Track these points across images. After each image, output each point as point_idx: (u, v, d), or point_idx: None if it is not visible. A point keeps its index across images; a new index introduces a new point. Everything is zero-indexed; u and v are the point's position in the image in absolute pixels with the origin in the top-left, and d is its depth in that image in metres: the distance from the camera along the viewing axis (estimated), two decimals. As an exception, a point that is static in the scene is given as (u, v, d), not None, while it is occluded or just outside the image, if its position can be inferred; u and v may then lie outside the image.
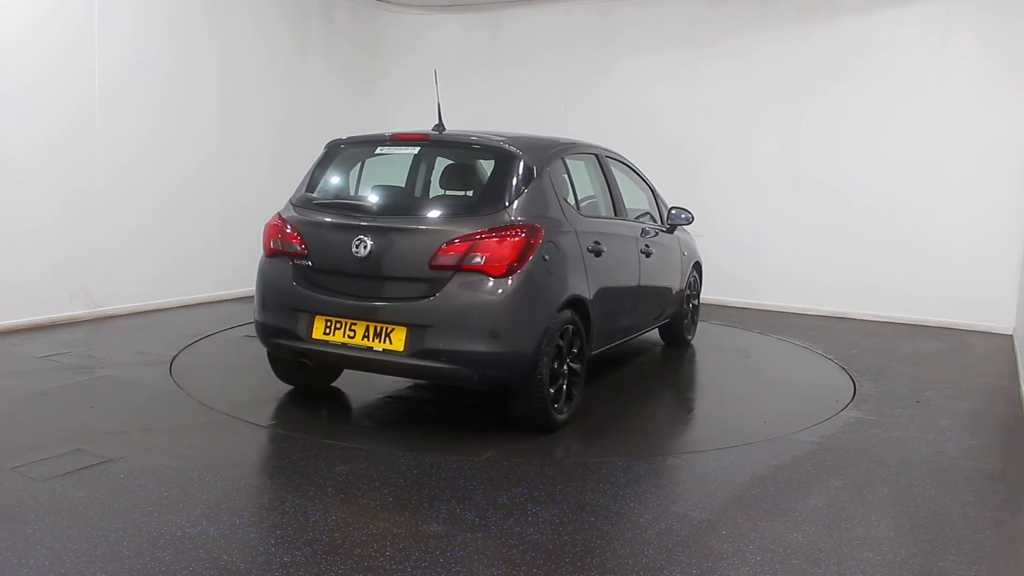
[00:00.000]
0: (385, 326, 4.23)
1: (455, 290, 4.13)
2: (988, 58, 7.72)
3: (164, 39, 7.40)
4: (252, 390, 5.16)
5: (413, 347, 4.16)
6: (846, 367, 6.28)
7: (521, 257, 4.18)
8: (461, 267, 4.13)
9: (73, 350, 5.84)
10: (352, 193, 4.94)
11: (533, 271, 4.22)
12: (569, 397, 4.60)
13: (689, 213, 6.28)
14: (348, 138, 5.05)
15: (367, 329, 4.27)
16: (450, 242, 4.17)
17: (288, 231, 4.62)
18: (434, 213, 4.57)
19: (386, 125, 8.83)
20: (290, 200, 4.89)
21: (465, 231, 4.19)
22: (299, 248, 4.55)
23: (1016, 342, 7.07)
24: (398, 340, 4.20)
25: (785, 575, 2.94)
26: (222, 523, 3.21)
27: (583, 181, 5.50)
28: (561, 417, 4.51)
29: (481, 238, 4.16)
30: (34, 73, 6.37)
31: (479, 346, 4.12)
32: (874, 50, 8.16)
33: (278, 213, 4.82)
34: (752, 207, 8.78)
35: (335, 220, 4.57)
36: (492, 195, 4.45)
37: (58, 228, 6.65)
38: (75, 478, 3.57)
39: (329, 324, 4.38)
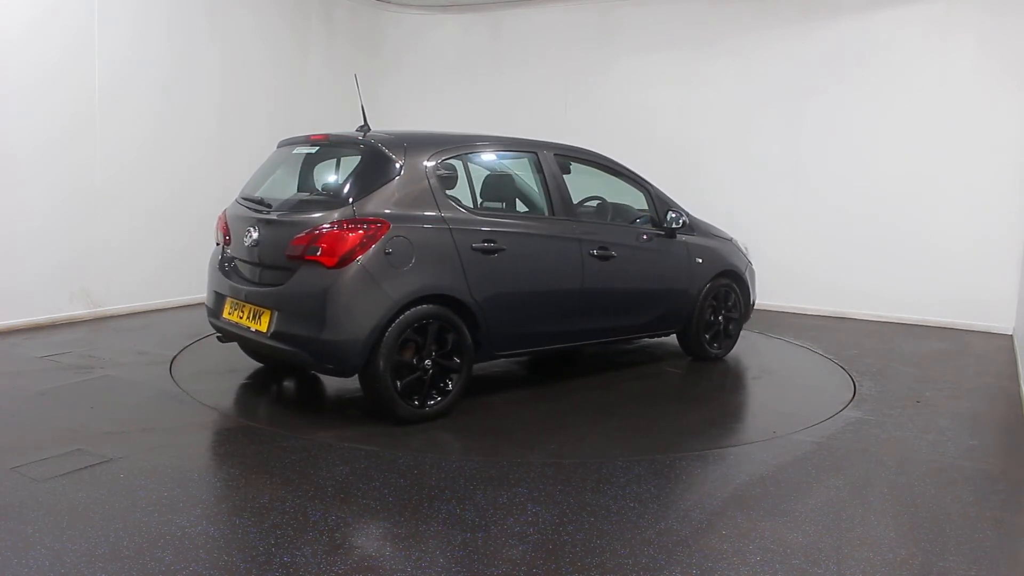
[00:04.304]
0: (258, 309, 4.64)
1: (298, 279, 4.44)
2: (988, 58, 7.71)
3: (164, 39, 7.40)
4: (252, 390, 5.18)
5: (271, 329, 4.53)
6: (846, 367, 6.27)
7: (355, 250, 4.34)
8: (304, 258, 4.42)
9: (73, 350, 5.84)
10: (266, 189, 5.19)
11: (368, 264, 4.35)
12: (443, 393, 4.64)
13: (684, 216, 5.97)
14: (285, 139, 5.41)
15: (248, 311, 4.71)
16: (299, 235, 4.46)
17: (221, 223, 5.18)
18: (302, 207, 4.81)
19: (385, 125, 8.82)
20: (236, 197, 5.30)
21: (312, 224, 4.45)
22: (224, 238, 5.10)
23: (1016, 342, 7.07)
24: (264, 322, 4.58)
25: (785, 575, 2.95)
26: (222, 523, 3.22)
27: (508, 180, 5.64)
28: (420, 411, 4.53)
29: (321, 231, 4.40)
30: (34, 73, 6.37)
31: (313, 332, 4.37)
32: (874, 50, 8.15)
33: (225, 208, 5.26)
34: (752, 207, 8.76)
35: (241, 213, 5.00)
36: (348, 190, 4.64)
37: (58, 228, 6.65)
38: (75, 478, 3.57)
39: (232, 305, 4.86)
